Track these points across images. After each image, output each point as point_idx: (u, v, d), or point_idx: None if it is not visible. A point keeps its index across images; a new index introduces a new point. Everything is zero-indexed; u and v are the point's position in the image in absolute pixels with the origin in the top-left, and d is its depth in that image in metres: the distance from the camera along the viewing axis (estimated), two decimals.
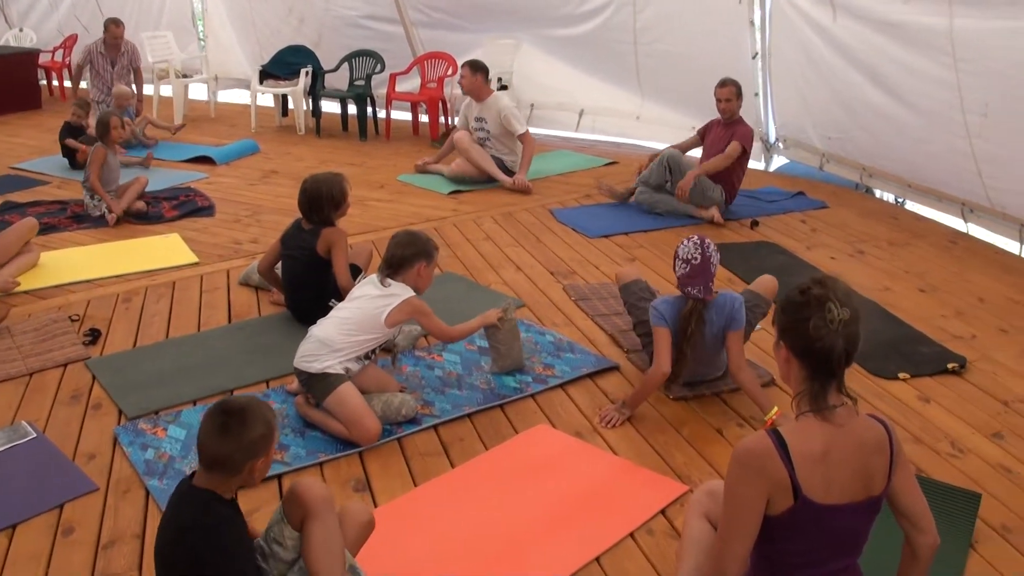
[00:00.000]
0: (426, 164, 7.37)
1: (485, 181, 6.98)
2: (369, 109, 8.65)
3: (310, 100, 8.88)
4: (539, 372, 3.99)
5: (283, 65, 8.90)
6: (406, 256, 3.60)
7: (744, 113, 7.03)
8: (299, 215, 4.45)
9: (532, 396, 3.81)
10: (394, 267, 3.61)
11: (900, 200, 6.91)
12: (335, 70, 8.83)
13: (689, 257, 3.58)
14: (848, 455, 2.02)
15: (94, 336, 4.35)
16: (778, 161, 7.88)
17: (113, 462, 3.32)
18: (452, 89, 8.54)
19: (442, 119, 8.57)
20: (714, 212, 6.10)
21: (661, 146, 8.19)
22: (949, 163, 5.99)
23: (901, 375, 4.08)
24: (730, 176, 6.20)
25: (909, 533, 2.18)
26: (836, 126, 6.98)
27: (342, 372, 3.47)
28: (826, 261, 5.50)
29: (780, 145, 7.77)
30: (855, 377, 4.01)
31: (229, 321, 4.56)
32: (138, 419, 3.59)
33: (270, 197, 6.72)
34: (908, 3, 5.83)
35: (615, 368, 4.07)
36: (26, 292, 4.91)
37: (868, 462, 2.04)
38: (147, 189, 6.39)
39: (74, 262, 5.35)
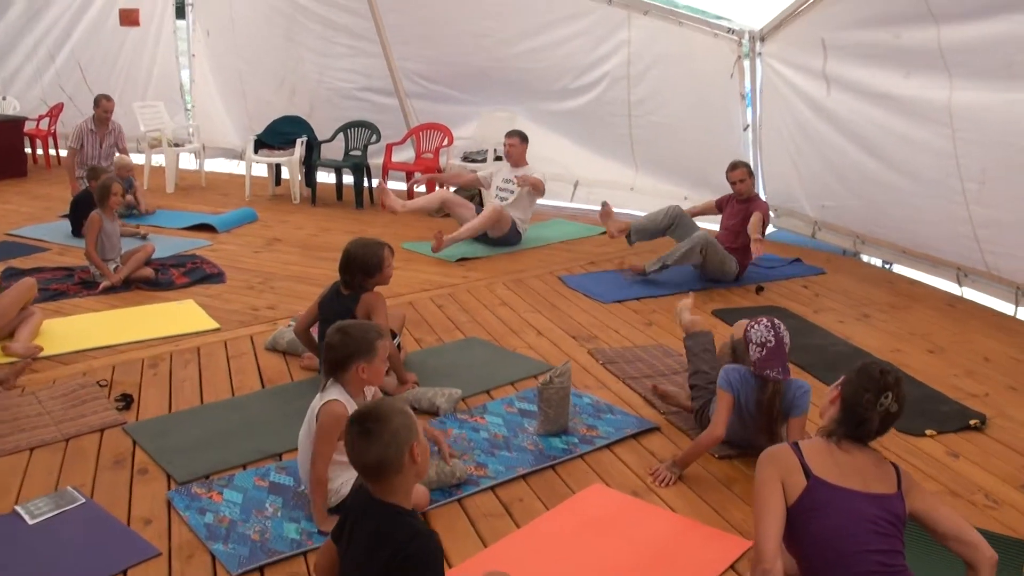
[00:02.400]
0: (448, 239, 7.38)
1: (493, 242, 7.22)
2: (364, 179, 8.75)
3: (303, 170, 8.94)
4: (583, 433, 4.03)
5: (277, 135, 8.99)
6: (338, 360, 3.19)
7: None
8: (328, 281, 4.45)
9: (581, 456, 3.84)
10: (333, 374, 3.21)
11: (888, 264, 7.14)
12: (331, 140, 8.94)
13: (763, 341, 3.57)
14: (847, 461, 2.45)
15: (127, 401, 4.29)
16: (769, 230, 8.08)
17: (171, 527, 3.27)
18: (448, 159, 8.69)
19: (437, 188, 8.69)
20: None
21: None
22: (945, 229, 6.23)
23: (928, 432, 4.20)
24: (745, 248, 6.34)
25: (963, 553, 2.43)
26: (829, 195, 7.22)
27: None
28: (835, 324, 5.64)
29: (772, 215, 7.98)
30: (888, 434, 4.11)
31: (262, 386, 4.54)
32: (189, 484, 3.55)
33: (278, 264, 6.73)
34: (908, 77, 6.10)
35: (656, 429, 4.13)
36: (47, 358, 4.84)
37: (866, 473, 2.43)
38: (154, 256, 6.38)
39: (91, 328, 5.30)
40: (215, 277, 6.32)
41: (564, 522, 3.35)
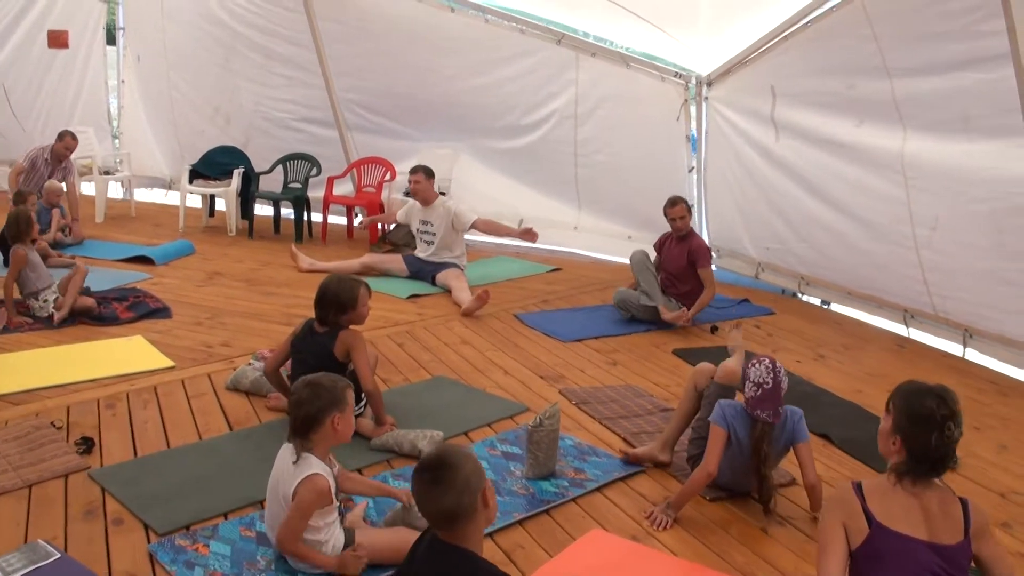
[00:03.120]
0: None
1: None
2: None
3: (239, 201, 8.69)
4: (572, 476, 3.97)
5: (213, 165, 8.73)
6: (311, 415, 3.06)
7: None
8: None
9: (574, 500, 3.78)
10: (304, 433, 3.07)
11: (826, 303, 7.34)
12: (269, 172, 8.72)
13: (761, 381, 3.58)
14: (913, 505, 2.42)
15: (87, 445, 4.03)
16: (712, 268, 8.21)
17: None
18: (390, 194, 8.57)
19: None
20: (679, 315, 6.26)
21: (597, 256, 8.54)
22: (893, 272, 6.43)
23: None
24: (690, 295, 6.41)
25: None
26: (774, 237, 7.38)
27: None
28: (794, 364, 5.72)
29: (715, 255, 8.12)
30: (866, 473, 4.17)
31: (230, 428, 4.34)
32: (170, 535, 3.35)
33: (223, 299, 6.49)
34: (861, 126, 6.30)
35: (643, 471, 4.09)
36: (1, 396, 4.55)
37: (932, 519, 2.41)
38: (93, 290, 6.08)
39: (39, 365, 4.99)
40: (160, 312, 6.05)
41: (571, 569, 3.27)
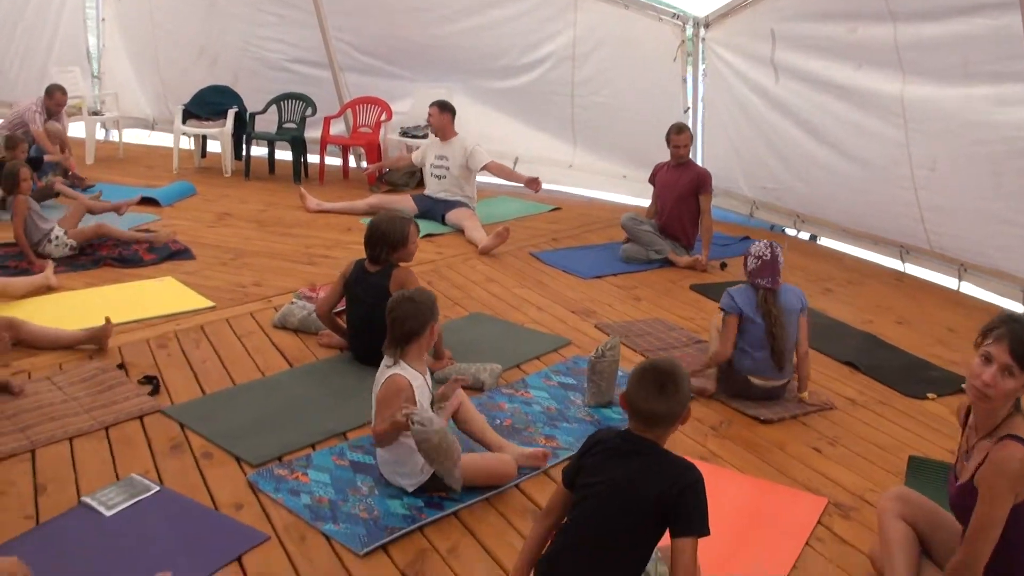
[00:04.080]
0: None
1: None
2: None
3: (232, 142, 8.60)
4: None
5: (205, 105, 8.61)
6: (414, 329, 3.28)
7: None
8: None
9: None
10: (403, 344, 3.29)
11: (814, 238, 7.60)
12: (263, 112, 8.63)
13: (760, 254, 4.16)
14: None
15: (154, 385, 4.10)
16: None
17: (267, 510, 3.18)
18: (386, 133, 8.57)
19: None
20: (694, 261, 6.45)
21: (591, 193, 8.68)
22: (891, 211, 6.68)
23: (929, 395, 4.55)
24: (685, 222, 6.59)
25: None
26: (771, 177, 7.58)
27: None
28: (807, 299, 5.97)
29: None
30: (895, 398, 4.46)
31: (290, 365, 4.42)
32: (263, 467, 3.45)
33: (240, 240, 6.50)
34: (860, 70, 6.49)
35: (693, 398, 4.30)
36: None
37: None
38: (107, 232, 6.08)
39: (80, 307, 5.01)
40: (183, 253, 6.06)
41: None
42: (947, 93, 6.05)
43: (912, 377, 4.77)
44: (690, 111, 8.11)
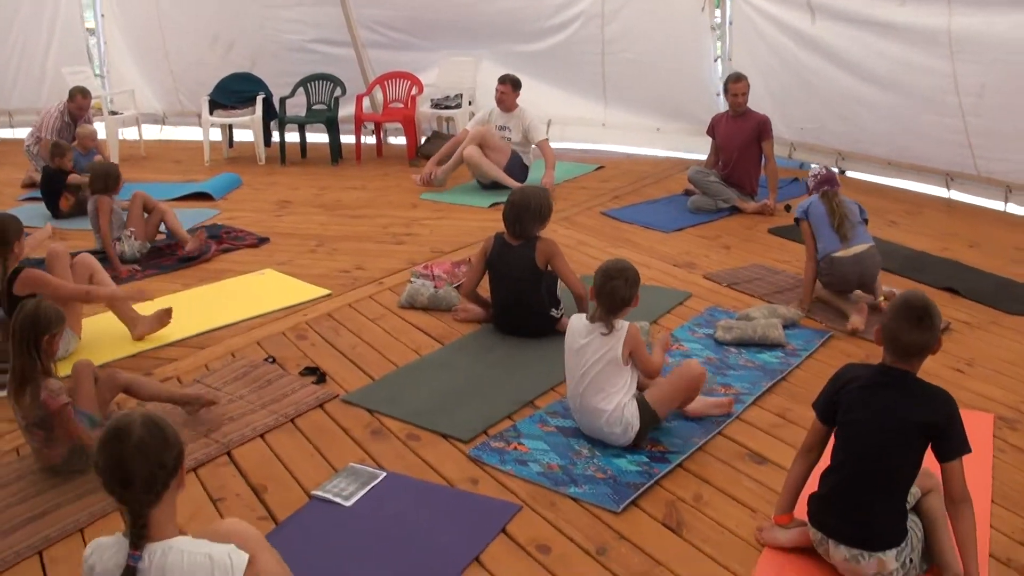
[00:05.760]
0: (430, 174, 7.41)
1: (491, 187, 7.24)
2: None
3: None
4: (790, 349, 4.34)
5: (230, 93, 8.51)
6: (628, 297, 3.46)
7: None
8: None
9: (797, 367, 4.15)
10: (616, 312, 3.45)
11: (842, 171, 7.82)
12: (291, 96, 8.55)
13: (817, 173, 4.96)
14: None
15: (319, 374, 4.14)
16: None
17: (503, 482, 3.28)
18: (420, 107, 8.57)
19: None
20: (762, 206, 6.63)
21: (626, 149, 8.79)
22: (937, 139, 6.91)
23: None
24: (749, 170, 6.77)
25: None
26: (810, 117, 7.76)
27: (633, 404, 3.45)
28: (877, 232, 6.17)
29: None
30: (998, 317, 4.73)
31: (440, 343, 4.49)
32: (473, 441, 3.54)
33: (315, 226, 6.51)
34: (904, 5, 6.67)
35: (832, 335, 4.49)
36: (177, 343, 4.55)
37: None
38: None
39: (198, 307, 4.98)
40: (260, 243, 6.11)
41: None
42: (995, 20, 6.26)
43: (1007, 296, 5.04)
44: (720, 60, 8.25)
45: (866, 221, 4.82)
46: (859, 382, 2.66)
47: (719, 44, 8.21)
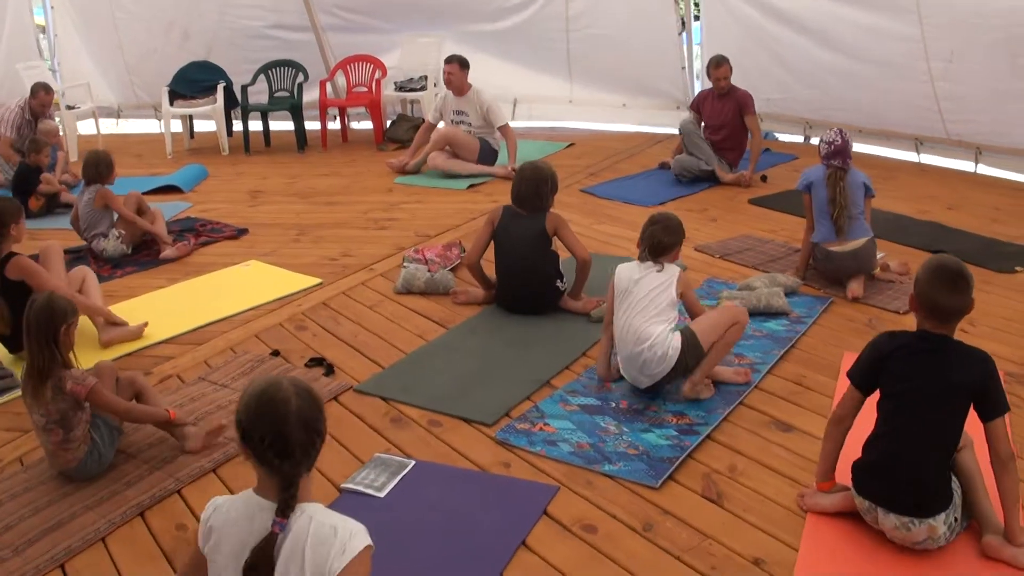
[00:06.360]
0: (404, 164, 7.31)
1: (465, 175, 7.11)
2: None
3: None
4: (794, 317, 4.37)
5: (189, 83, 8.28)
6: (671, 243, 3.68)
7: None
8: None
9: (804, 334, 4.18)
10: (661, 252, 3.66)
11: (807, 139, 7.91)
12: (252, 83, 8.35)
13: (832, 140, 4.63)
14: None
15: (326, 365, 4.06)
16: None
17: (535, 464, 3.24)
18: (384, 91, 8.44)
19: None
20: (739, 176, 6.65)
21: (594, 126, 8.77)
22: (907, 105, 7.03)
23: (1017, 268, 4.92)
24: (732, 141, 6.80)
25: None
26: (778, 87, 7.82)
27: (677, 336, 3.57)
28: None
29: None
30: (989, 277, 4.80)
31: (443, 327, 4.43)
32: (497, 424, 3.50)
33: (292, 215, 6.39)
34: None
35: (832, 301, 4.54)
36: (170, 340, 4.43)
37: None
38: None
39: (188, 303, 4.87)
40: (239, 234, 5.98)
41: None
42: None
43: (994, 254, 5.14)
44: (684, 32, 8.25)
45: (871, 197, 4.74)
46: (906, 350, 2.66)
47: (683, 17, 8.20)
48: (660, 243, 3.63)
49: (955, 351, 2.63)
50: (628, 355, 3.59)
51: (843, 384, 3.33)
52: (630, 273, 3.67)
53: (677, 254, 3.72)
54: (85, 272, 4.58)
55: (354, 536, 1.90)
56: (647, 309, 3.56)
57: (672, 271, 3.63)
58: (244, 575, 1.87)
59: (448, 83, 7.13)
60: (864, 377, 2.76)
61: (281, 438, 1.86)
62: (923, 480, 2.61)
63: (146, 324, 4.47)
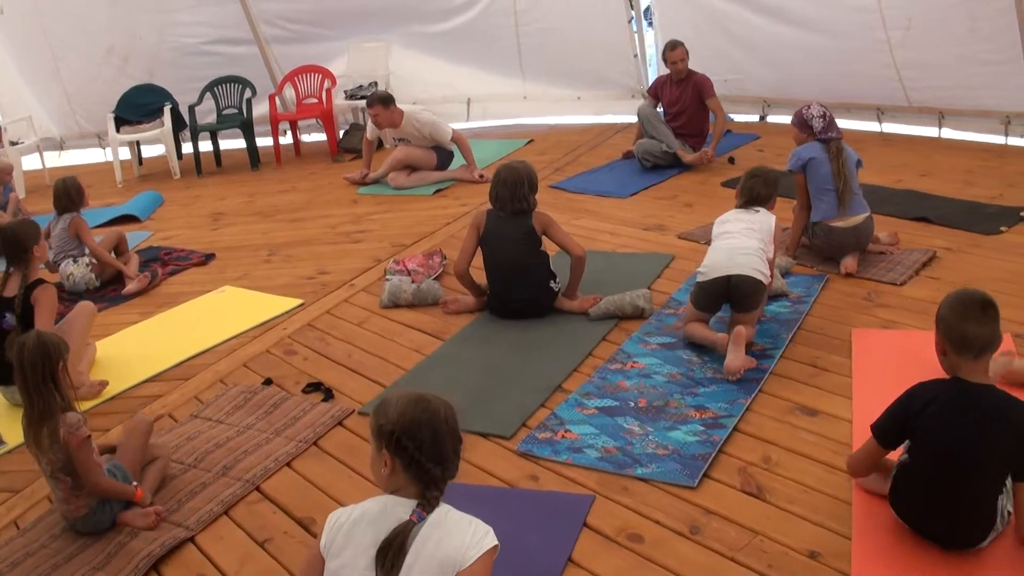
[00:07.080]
0: (364, 175, 7.13)
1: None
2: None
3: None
4: (794, 298, 4.32)
5: (134, 108, 7.99)
6: (768, 194, 4.11)
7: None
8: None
9: (807, 314, 4.12)
10: (758, 202, 4.08)
11: (763, 117, 7.93)
12: (199, 103, 8.08)
13: (822, 113, 4.65)
14: None
15: (324, 390, 3.90)
16: None
17: (562, 473, 3.13)
18: (336, 100, 8.25)
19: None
20: (701, 155, 6.58)
21: (550, 120, 8.67)
22: (867, 76, 7.02)
23: (1002, 228, 4.94)
24: (692, 125, 6.75)
25: None
26: (733, 68, 7.77)
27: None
28: None
29: None
30: (978, 240, 4.81)
31: (439, 339, 4.28)
32: (516, 436, 3.38)
33: (258, 235, 6.19)
34: None
35: (827, 278, 4.51)
36: (156, 376, 4.23)
37: None
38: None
39: (166, 336, 4.68)
40: (207, 259, 5.78)
41: (879, 370, 3.56)
42: None
43: (979, 217, 5.15)
44: (633, 21, 8.18)
45: (858, 163, 4.72)
46: (936, 404, 2.45)
47: (632, 3, 8.12)
48: (759, 195, 4.06)
49: (996, 407, 2.41)
50: (723, 261, 3.86)
51: (861, 407, 3.26)
52: (731, 213, 4.11)
53: (773, 204, 4.11)
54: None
55: (487, 534, 2.07)
56: (750, 233, 3.92)
57: (770, 216, 4.02)
58: (377, 554, 1.98)
59: (378, 125, 6.82)
60: (890, 435, 2.59)
61: (437, 445, 2.04)
62: (964, 524, 2.49)
63: (106, 383, 4.16)
